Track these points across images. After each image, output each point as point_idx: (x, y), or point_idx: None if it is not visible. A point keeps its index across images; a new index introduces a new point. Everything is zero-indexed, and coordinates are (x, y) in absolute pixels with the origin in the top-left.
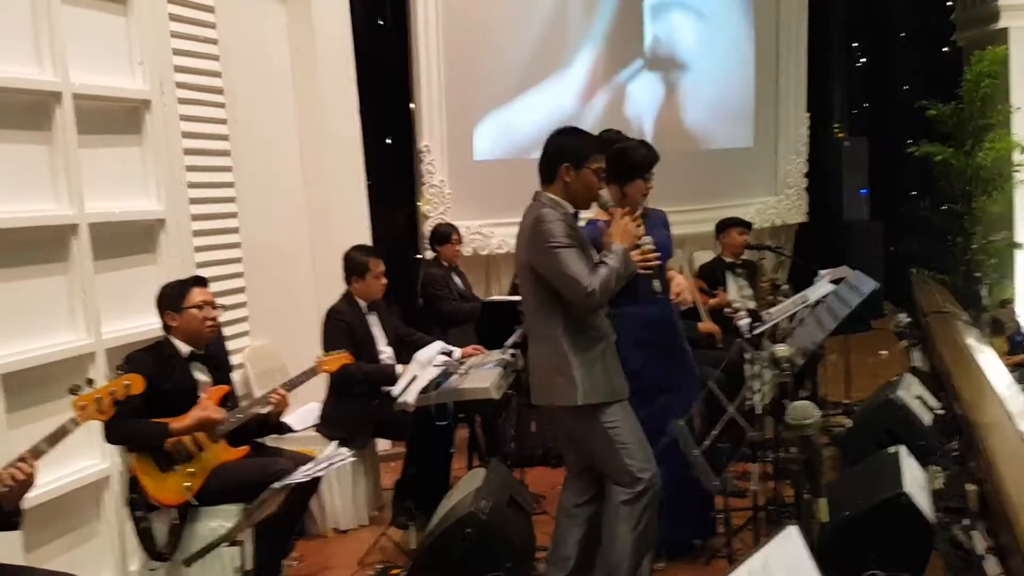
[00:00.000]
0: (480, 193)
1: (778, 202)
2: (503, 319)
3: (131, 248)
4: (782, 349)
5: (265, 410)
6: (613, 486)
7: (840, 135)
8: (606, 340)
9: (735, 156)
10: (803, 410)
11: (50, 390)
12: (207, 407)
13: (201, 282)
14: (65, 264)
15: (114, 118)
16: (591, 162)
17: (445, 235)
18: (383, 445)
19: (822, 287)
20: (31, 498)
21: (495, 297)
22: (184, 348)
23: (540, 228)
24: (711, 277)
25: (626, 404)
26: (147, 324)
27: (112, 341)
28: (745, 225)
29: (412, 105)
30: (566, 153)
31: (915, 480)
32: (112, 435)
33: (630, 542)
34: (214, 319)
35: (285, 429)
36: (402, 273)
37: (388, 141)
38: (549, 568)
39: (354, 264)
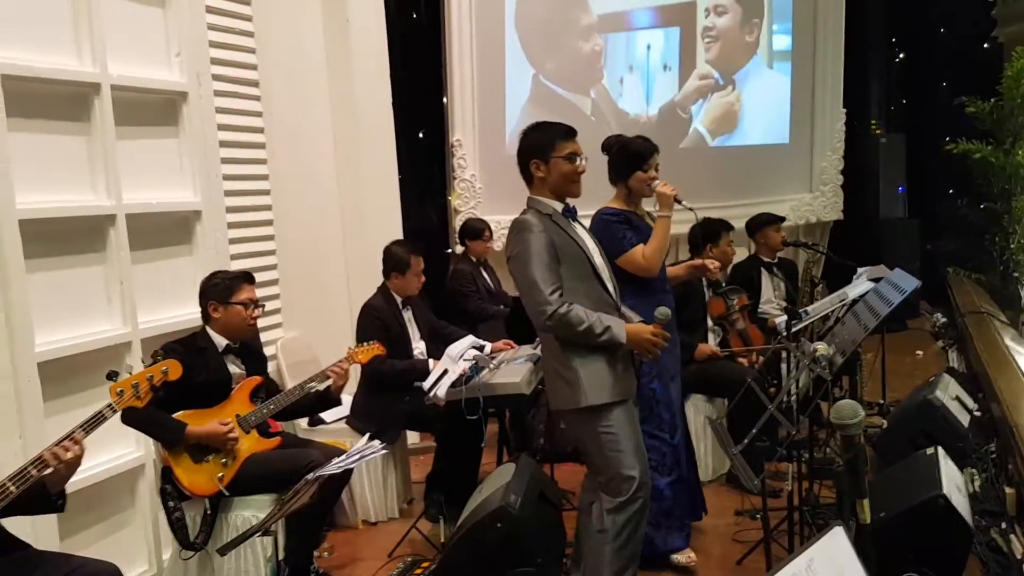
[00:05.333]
0: (511, 188)
1: (813, 199)
2: None
3: (167, 239)
4: (822, 347)
5: (323, 385)
6: (600, 492)
7: (877, 132)
8: None
9: (770, 152)
10: (848, 409)
11: (86, 378)
12: (227, 423)
13: (251, 279)
14: (103, 254)
15: (151, 110)
16: (557, 150)
17: (477, 231)
18: (412, 438)
19: (861, 285)
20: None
21: None
22: (220, 340)
23: (514, 236)
24: (745, 276)
25: (630, 407)
26: (182, 314)
27: (148, 331)
28: (779, 220)
29: (444, 99)
30: (531, 150)
31: (953, 482)
32: (129, 418)
33: (609, 553)
34: (255, 319)
35: (316, 420)
36: (432, 267)
37: (420, 135)
38: (571, 565)
39: (396, 260)
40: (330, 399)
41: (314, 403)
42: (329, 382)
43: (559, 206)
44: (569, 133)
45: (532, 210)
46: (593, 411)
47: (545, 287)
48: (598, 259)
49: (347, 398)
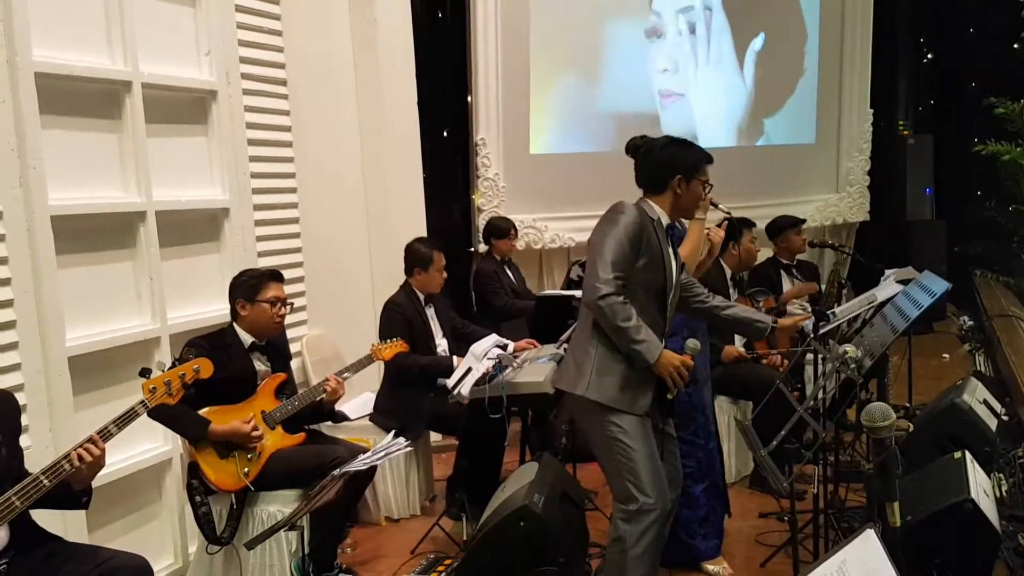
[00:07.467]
0: (534, 187)
1: (839, 199)
2: (557, 314)
3: (196, 236)
4: (851, 349)
5: (319, 398)
6: (614, 500)
7: (905, 132)
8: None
9: (796, 152)
10: (879, 412)
11: (116, 373)
12: (250, 421)
13: (278, 277)
14: (133, 250)
15: (181, 108)
16: (701, 173)
17: (503, 230)
18: (435, 436)
19: (890, 287)
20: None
21: (549, 292)
22: (246, 337)
23: (609, 213)
24: (765, 278)
25: (646, 423)
26: (210, 311)
27: (176, 327)
28: (799, 223)
29: (469, 98)
30: (680, 165)
31: (980, 486)
32: (157, 413)
33: (628, 561)
34: (282, 317)
35: (340, 417)
36: (455, 266)
37: (444, 134)
38: (603, 563)
39: (418, 256)
40: (324, 413)
41: (309, 416)
42: (323, 395)
43: (666, 220)
44: (711, 161)
45: (638, 206)
46: (599, 407)
47: (612, 269)
48: (673, 282)
49: (370, 395)
